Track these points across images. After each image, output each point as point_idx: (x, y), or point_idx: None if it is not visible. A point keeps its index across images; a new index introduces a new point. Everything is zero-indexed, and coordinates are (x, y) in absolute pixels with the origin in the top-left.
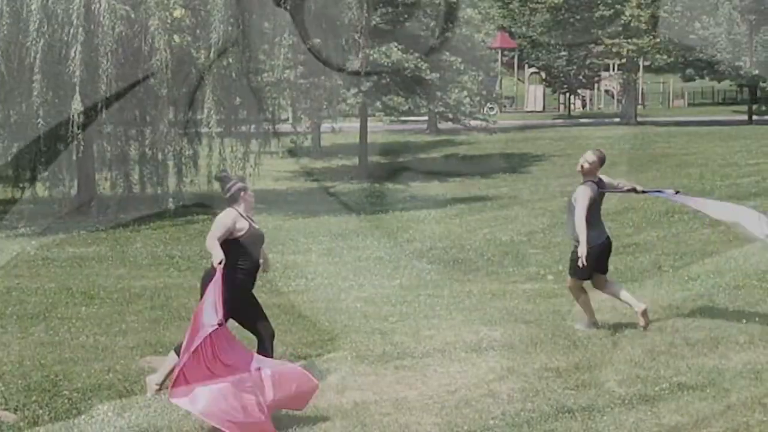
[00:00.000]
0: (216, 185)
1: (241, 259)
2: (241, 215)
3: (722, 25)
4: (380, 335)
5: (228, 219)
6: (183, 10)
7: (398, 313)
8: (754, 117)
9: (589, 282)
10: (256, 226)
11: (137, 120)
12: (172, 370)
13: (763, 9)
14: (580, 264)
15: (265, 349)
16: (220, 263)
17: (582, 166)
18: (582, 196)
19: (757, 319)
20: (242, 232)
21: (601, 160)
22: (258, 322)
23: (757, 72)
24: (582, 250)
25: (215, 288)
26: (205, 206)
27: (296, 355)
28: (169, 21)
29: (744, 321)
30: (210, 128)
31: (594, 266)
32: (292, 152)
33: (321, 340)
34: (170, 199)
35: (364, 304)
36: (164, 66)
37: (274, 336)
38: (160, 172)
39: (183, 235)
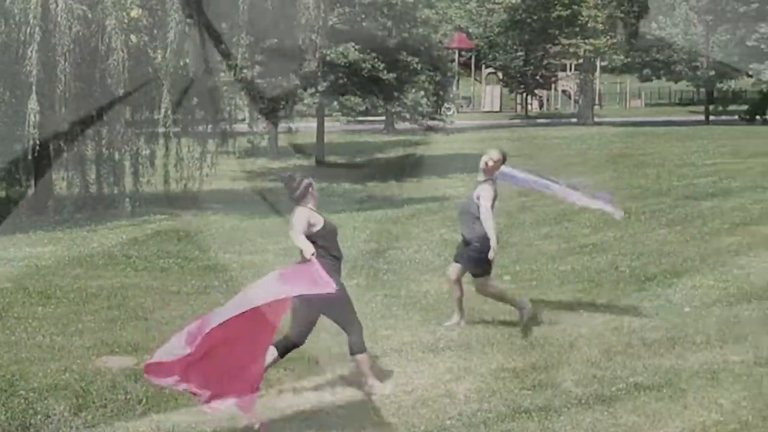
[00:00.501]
0: (174, 185)
1: (323, 253)
2: (314, 211)
3: (679, 26)
4: (337, 335)
5: (304, 216)
6: (140, 10)
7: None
8: (711, 117)
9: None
10: (329, 220)
11: (94, 120)
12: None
13: (719, 10)
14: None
15: (355, 342)
16: (313, 254)
17: (486, 164)
18: (486, 194)
19: (713, 319)
20: (318, 227)
21: (504, 159)
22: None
23: (713, 72)
24: (494, 246)
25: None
26: (162, 206)
27: None
28: (126, 21)
29: (700, 321)
30: (167, 128)
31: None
32: (249, 152)
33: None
34: (127, 199)
35: None
36: (121, 66)
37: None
38: (117, 172)
39: (140, 234)
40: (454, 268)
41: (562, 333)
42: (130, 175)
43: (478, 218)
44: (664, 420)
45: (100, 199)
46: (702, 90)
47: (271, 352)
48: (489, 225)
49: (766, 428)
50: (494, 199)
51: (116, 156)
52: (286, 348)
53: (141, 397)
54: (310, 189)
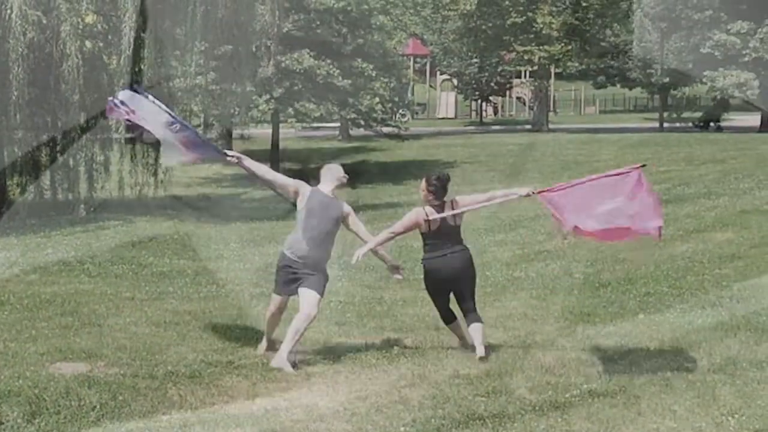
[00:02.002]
0: (129, 191)
1: None
2: None
3: (633, 33)
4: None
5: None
6: (95, 15)
7: None
8: (665, 124)
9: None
10: None
11: (49, 125)
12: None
13: (673, 17)
14: None
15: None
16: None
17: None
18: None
19: (667, 325)
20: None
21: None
22: None
23: (667, 79)
24: None
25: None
26: (117, 212)
27: (207, 361)
28: (80, 26)
29: (654, 328)
30: (119, 134)
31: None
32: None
33: (232, 347)
34: (82, 205)
35: None
36: (75, 71)
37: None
38: (72, 178)
39: (94, 241)
40: None
41: (517, 339)
42: (85, 181)
43: None
44: (618, 427)
45: (55, 204)
46: (656, 97)
47: None
48: None
49: None
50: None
51: (71, 162)
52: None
53: (94, 403)
54: None
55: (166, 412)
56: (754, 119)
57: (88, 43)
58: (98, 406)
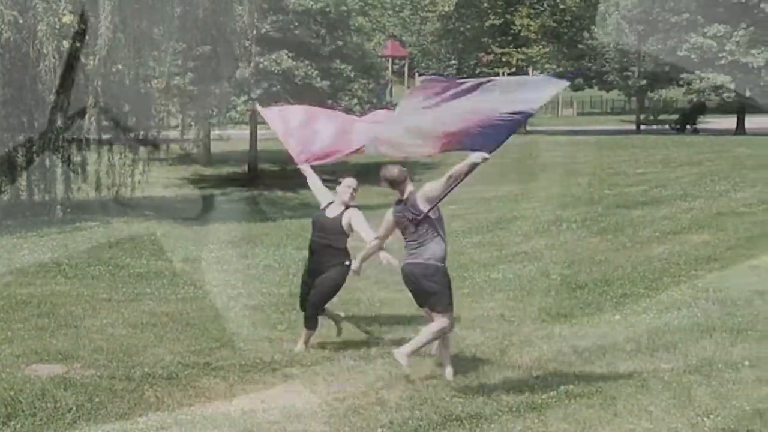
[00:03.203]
0: (106, 192)
1: None
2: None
3: (611, 35)
4: (269, 343)
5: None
6: (72, 15)
7: (287, 321)
8: (642, 126)
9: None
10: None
11: (25, 126)
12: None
13: (650, 20)
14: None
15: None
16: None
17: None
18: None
19: (643, 326)
20: None
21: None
22: None
23: (644, 82)
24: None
25: None
26: (94, 213)
27: (184, 363)
28: (57, 26)
29: (631, 329)
30: (91, 135)
31: None
32: (182, 159)
33: (209, 348)
34: (58, 206)
35: (252, 311)
36: (52, 72)
37: None
38: (48, 179)
39: (71, 242)
40: None
41: (494, 341)
42: (62, 182)
43: None
44: (594, 427)
45: (31, 206)
46: (633, 99)
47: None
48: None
49: None
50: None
51: (47, 162)
52: None
53: (71, 405)
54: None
55: (142, 414)
56: (730, 122)
57: (65, 43)
58: (74, 408)
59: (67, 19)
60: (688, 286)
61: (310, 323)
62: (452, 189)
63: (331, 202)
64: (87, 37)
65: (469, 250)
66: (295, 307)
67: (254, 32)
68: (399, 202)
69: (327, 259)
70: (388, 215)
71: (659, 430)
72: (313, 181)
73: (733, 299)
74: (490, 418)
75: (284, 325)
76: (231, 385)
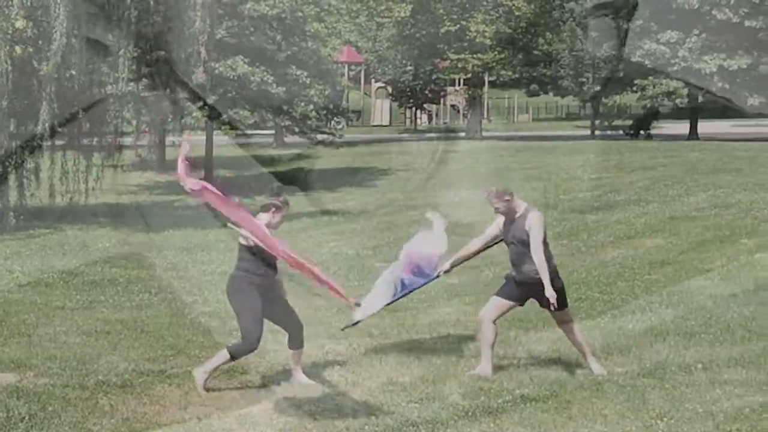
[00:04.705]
0: (59, 199)
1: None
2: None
3: (565, 42)
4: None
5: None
6: (25, 20)
7: None
8: (596, 132)
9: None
10: None
11: None
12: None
13: (605, 26)
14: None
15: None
16: None
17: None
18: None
19: (598, 331)
20: None
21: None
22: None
23: (598, 88)
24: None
25: None
26: (47, 220)
27: (139, 371)
28: (10, 31)
29: (586, 333)
30: (52, 141)
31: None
32: (136, 166)
33: (164, 356)
34: (11, 213)
35: (208, 318)
36: (4, 77)
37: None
38: (1, 186)
39: (24, 249)
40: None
41: (450, 346)
42: (14, 189)
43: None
44: (549, 431)
45: None
46: (588, 105)
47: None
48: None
49: None
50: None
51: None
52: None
53: (23, 414)
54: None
55: (96, 423)
56: (683, 127)
57: (17, 48)
58: (27, 417)
59: (20, 24)
60: (641, 290)
61: None
62: None
63: None
64: (40, 42)
65: None
66: None
67: (208, 38)
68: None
69: None
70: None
71: None
72: None
73: (686, 303)
74: (446, 423)
75: (240, 332)
76: (186, 392)
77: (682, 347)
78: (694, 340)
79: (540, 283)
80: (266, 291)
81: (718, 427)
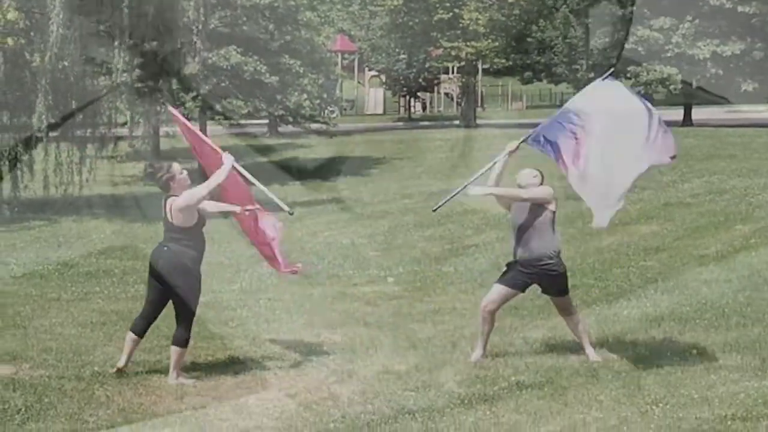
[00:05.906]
0: (54, 190)
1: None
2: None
3: (559, 29)
4: (220, 340)
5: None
6: (17, 12)
7: (238, 318)
8: None
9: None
10: None
11: None
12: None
13: (598, 13)
14: None
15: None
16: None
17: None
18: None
19: (593, 317)
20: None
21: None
22: None
23: (592, 75)
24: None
25: None
26: (42, 212)
27: (134, 361)
28: (2, 23)
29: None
30: (46, 132)
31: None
32: (131, 157)
33: (160, 346)
34: (5, 205)
35: (203, 308)
36: None
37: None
38: None
39: (18, 241)
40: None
41: (445, 334)
42: (8, 181)
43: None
44: (545, 418)
45: None
46: None
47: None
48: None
49: (645, 424)
50: None
51: None
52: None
53: (20, 406)
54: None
55: (93, 414)
56: (677, 113)
57: (10, 40)
58: (23, 409)
59: (12, 15)
60: (636, 277)
61: None
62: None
63: None
64: (32, 34)
65: (420, 243)
66: (246, 304)
67: (201, 28)
68: None
69: None
70: None
71: (609, 420)
72: None
73: (681, 289)
74: (442, 411)
75: (235, 322)
76: (182, 382)
77: (677, 333)
78: (689, 326)
79: (543, 267)
80: None
81: (714, 413)
